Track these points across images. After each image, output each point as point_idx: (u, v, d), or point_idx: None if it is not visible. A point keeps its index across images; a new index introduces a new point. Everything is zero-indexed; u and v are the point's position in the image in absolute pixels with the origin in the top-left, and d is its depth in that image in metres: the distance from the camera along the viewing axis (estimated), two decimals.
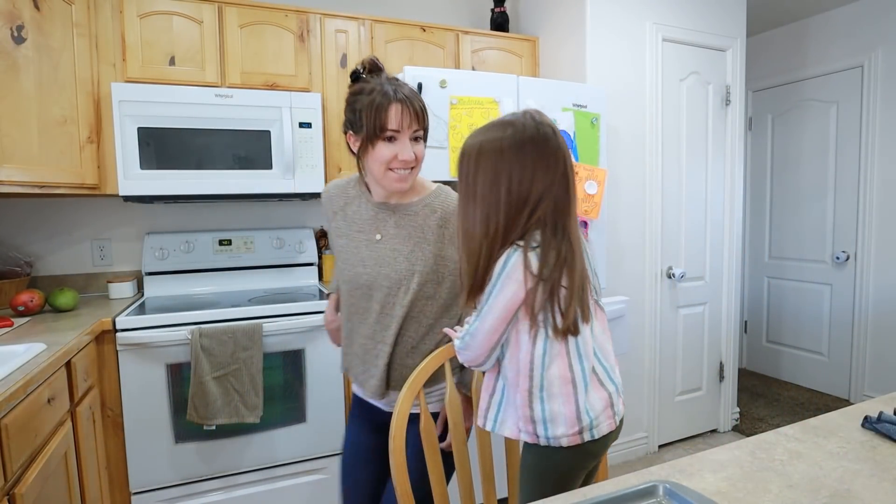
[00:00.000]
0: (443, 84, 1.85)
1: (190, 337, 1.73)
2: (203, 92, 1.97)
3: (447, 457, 1.16)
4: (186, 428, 1.79)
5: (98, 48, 1.92)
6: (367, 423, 1.29)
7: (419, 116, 1.11)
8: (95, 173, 1.93)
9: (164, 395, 1.76)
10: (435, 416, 1.20)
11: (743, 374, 3.65)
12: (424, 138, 1.16)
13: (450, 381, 1.13)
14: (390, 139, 1.09)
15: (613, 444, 1.62)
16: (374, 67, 1.15)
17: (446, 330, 1.14)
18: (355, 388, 1.31)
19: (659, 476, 0.77)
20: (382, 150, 1.09)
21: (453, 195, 1.22)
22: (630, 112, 2.46)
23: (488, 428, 0.99)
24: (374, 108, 1.07)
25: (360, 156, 1.14)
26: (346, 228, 1.22)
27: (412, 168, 1.14)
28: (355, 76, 1.16)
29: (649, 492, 0.71)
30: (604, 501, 0.70)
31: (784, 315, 3.57)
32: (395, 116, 1.08)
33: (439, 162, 1.86)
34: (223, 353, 1.76)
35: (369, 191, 1.22)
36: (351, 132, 1.15)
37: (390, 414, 1.22)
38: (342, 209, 1.24)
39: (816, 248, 3.33)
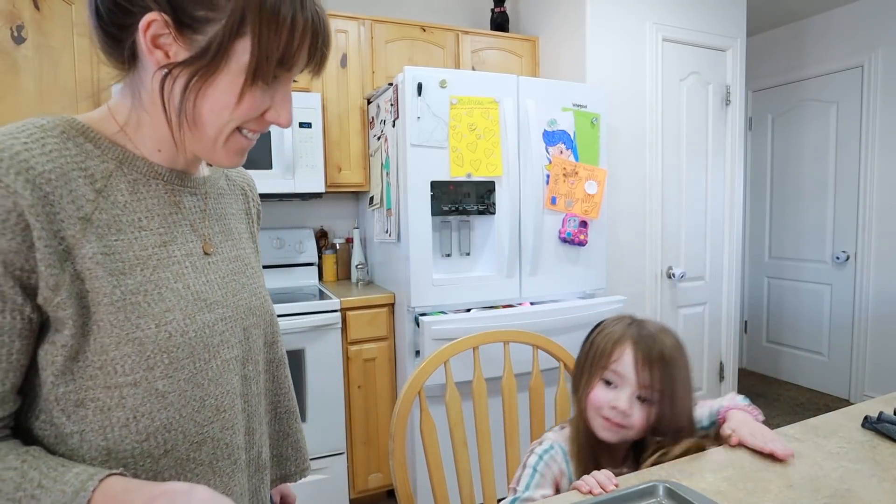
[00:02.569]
0: (443, 84, 1.85)
1: None
2: None
3: None
4: None
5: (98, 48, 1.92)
6: None
7: (328, 57, 0.59)
8: None
9: None
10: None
11: (743, 374, 3.65)
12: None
13: (450, 380, 1.13)
14: (275, 79, 0.56)
15: None
16: None
17: None
18: None
19: (659, 476, 0.77)
20: (251, 98, 0.55)
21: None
22: (630, 112, 2.46)
23: None
24: (287, 24, 0.52)
25: (168, 81, 0.54)
26: (133, 249, 0.56)
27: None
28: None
29: (649, 492, 0.71)
30: (604, 501, 0.70)
31: (784, 315, 3.57)
32: (305, 50, 0.55)
33: (440, 162, 1.87)
34: None
35: (112, 149, 0.57)
36: (166, 16, 0.51)
37: None
38: (100, 210, 0.54)
39: (816, 248, 3.33)
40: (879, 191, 2.99)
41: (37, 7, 1.72)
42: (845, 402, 3.16)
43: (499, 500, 0.93)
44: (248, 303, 0.68)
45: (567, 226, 2.07)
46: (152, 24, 0.51)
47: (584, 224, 2.09)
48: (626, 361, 0.87)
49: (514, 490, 0.89)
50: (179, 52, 0.53)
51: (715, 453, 0.85)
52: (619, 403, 0.86)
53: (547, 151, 2.02)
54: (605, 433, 0.88)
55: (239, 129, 0.58)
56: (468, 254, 2.01)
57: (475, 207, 1.93)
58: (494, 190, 1.95)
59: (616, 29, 2.41)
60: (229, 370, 0.63)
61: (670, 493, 0.70)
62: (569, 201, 2.07)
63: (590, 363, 0.91)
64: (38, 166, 0.50)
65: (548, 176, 2.02)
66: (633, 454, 0.92)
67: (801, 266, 3.43)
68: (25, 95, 1.70)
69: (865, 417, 0.92)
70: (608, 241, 2.37)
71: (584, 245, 2.10)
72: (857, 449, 0.84)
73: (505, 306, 2.01)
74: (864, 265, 3.07)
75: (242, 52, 0.53)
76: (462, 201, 1.91)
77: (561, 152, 2.04)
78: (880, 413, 0.91)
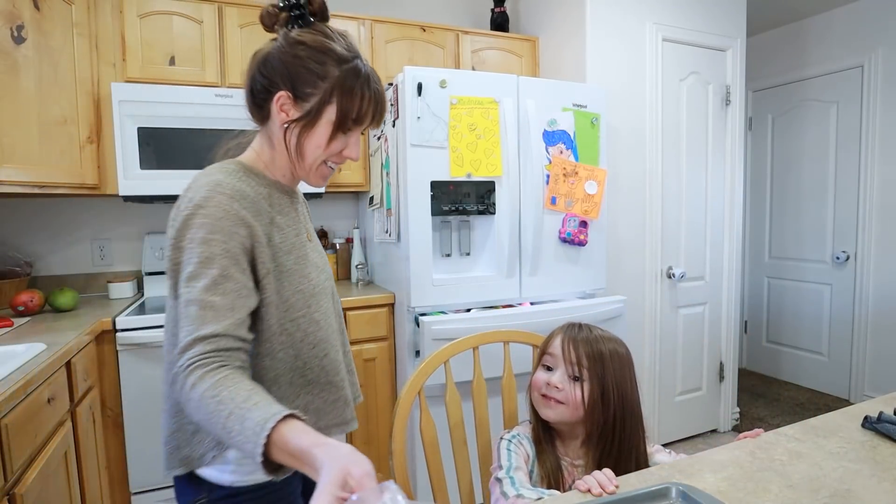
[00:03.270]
0: (443, 84, 1.85)
1: None
2: (203, 92, 1.97)
3: None
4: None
5: (98, 48, 1.92)
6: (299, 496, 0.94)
7: (384, 115, 0.92)
8: (95, 173, 1.93)
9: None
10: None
11: (743, 374, 3.65)
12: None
13: (450, 380, 1.13)
14: (347, 132, 0.88)
15: None
16: (323, 8, 0.87)
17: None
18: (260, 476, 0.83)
19: (659, 476, 0.77)
20: (334, 142, 0.86)
21: None
22: (630, 112, 2.46)
23: None
24: (357, 90, 0.85)
25: (290, 132, 0.85)
26: (289, 239, 0.90)
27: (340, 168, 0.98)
28: (297, 10, 0.85)
29: (662, 493, 0.71)
30: (616, 501, 0.69)
31: (784, 315, 3.57)
32: (368, 109, 0.87)
33: (440, 162, 1.87)
34: None
35: (265, 178, 0.90)
36: (288, 93, 0.84)
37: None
38: (272, 217, 0.87)
39: (816, 248, 3.33)
40: (879, 191, 2.99)
41: (37, 7, 1.72)
42: (845, 402, 3.16)
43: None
44: (329, 273, 1.02)
45: (567, 226, 2.07)
46: (281, 97, 0.85)
47: (584, 224, 2.09)
48: (556, 343, 1.01)
49: (499, 468, 0.94)
50: (294, 113, 0.85)
51: (715, 453, 0.84)
52: (552, 379, 0.98)
53: (547, 151, 2.02)
54: (545, 410, 0.99)
55: (325, 161, 0.90)
56: (468, 254, 2.01)
57: (475, 207, 1.93)
58: (494, 190, 1.95)
59: (616, 29, 2.41)
60: (329, 313, 0.97)
61: (684, 495, 0.69)
62: (569, 201, 2.07)
63: (537, 358, 1.06)
64: (247, 192, 0.84)
65: (548, 176, 2.02)
66: (592, 451, 1.00)
67: (801, 266, 3.43)
68: (25, 95, 1.70)
69: (865, 417, 0.92)
70: (608, 241, 2.37)
71: (584, 245, 2.10)
72: (857, 449, 0.84)
73: (505, 306, 2.01)
74: (864, 265, 3.07)
75: (331, 112, 0.85)
76: (462, 201, 1.91)
77: (561, 152, 2.04)
78: (880, 413, 0.91)
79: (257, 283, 0.82)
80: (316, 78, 0.83)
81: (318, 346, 0.91)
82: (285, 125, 0.85)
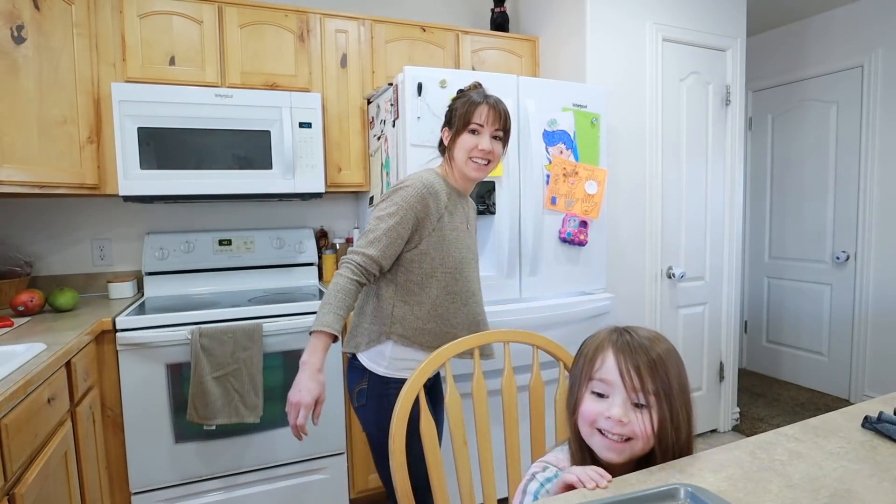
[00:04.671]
0: (443, 84, 1.85)
1: (190, 337, 1.73)
2: (203, 92, 1.97)
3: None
4: (186, 428, 1.78)
5: (98, 48, 1.92)
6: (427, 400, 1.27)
7: (501, 118, 1.36)
8: (95, 173, 1.93)
9: (164, 395, 1.76)
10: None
11: (743, 374, 3.65)
12: (504, 142, 1.40)
13: (450, 381, 1.13)
14: (474, 132, 1.34)
15: None
16: (476, 86, 1.42)
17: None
18: (411, 373, 1.17)
19: (659, 477, 0.77)
20: (466, 140, 1.34)
21: None
22: (630, 112, 2.46)
23: None
24: (466, 105, 1.35)
25: (448, 146, 1.39)
26: (454, 223, 1.37)
27: (488, 161, 1.37)
28: (460, 92, 1.44)
29: (670, 494, 0.70)
30: (622, 501, 0.69)
31: (784, 315, 3.57)
32: (480, 113, 1.34)
33: (439, 162, 1.86)
34: (223, 353, 1.76)
35: (451, 187, 1.41)
36: (446, 128, 1.41)
37: (432, 378, 1.45)
38: (447, 204, 1.36)
39: (816, 248, 3.33)
40: (879, 191, 2.99)
41: (37, 7, 1.72)
42: (845, 402, 3.16)
43: (499, 501, 0.91)
44: (477, 255, 1.48)
45: (567, 226, 2.07)
46: (444, 130, 1.42)
47: (584, 224, 2.09)
48: (609, 366, 0.81)
49: None
50: (447, 136, 1.40)
51: (715, 453, 0.84)
52: (612, 412, 0.78)
53: (547, 151, 2.02)
54: (608, 453, 0.80)
55: (470, 158, 1.36)
56: None
57: (475, 207, 1.93)
58: (494, 190, 1.95)
59: (616, 29, 2.41)
60: (473, 279, 1.43)
61: (693, 496, 0.69)
62: (569, 201, 2.07)
63: (577, 378, 0.86)
64: (434, 186, 1.34)
65: (548, 176, 2.02)
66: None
67: (801, 266, 3.43)
68: (25, 95, 1.70)
69: (865, 417, 0.92)
70: (608, 241, 2.37)
71: (584, 245, 2.10)
72: (857, 449, 0.84)
73: None
74: (864, 265, 3.07)
75: (464, 127, 1.36)
76: None
77: (561, 152, 2.04)
78: (880, 413, 0.91)
79: (420, 238, 1.32)
80: (451, 113, 1.41)
81: (453, 290, 1.37)
82: (445, 144, 1.42)
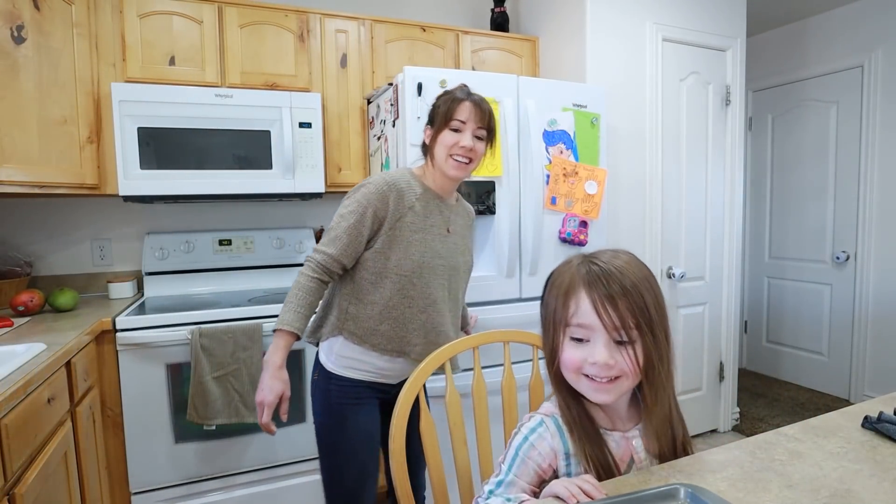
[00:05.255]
0: (443, 84, 1.85)
1: (190, 337, 1.73)
2: (203, 92, 1.97)
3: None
4: (186, 428, 1.78)
5: (98, 48, 1.92)
6: (376, 406, 1.36)
7: (484, 116, 1.32)
8: (95, 173, 1.93)
9: (164, 395, 1.76)
10: None
11: (743, 374, 3.65)
12: (489, 141, 1.36)
13: (450, 380, 1.13)
14: (456, 129, 1.30)
15: None
16: (462, 86, 1.39)
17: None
18: (359, 374, 1.33)
19: (659, 476, 0.77)
20: (447, 137, 1.30)
21: (465, 202, 1.53)
22: (630, 112, 2.46)
23: None
24: (449, 102, 1.31)
25: (430, 145, 1.34)
26: (420, 223, 1.32)
27: (470, 160, 1.32)
28: (445, 92, 1.40)
29: (671, 494, 0.70)
30: (623, 502, 0.69)
31: (784, 315, 3.56)
32: (462, 111, 1.30)
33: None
34: (223, 353, 1.76)
35: (426, 187, 1.37)
36: (428, 126, 1.37)
37: (394, 387, 1.37)
38: (413, 204, 1.31)
39: (816, 248, 3.33)
40: (879, 191, 2.99)
41: (37, 7, 1.72)
42: (845, 402, 3.16)
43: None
44: (454, 263, 1.38)
45: (567, 226, 2.07)
46: (426, 129, 1.37)
47: (584, 224, 2.09)
48: (585, 309, 0.74)
49: (500, 466, 0.83)
50: (429, 134, 1.35)
51: (715, 453, 0.84)
52: (596, 357, 0.73)
53: (547, 151, 2.02)
54: (598, 395, 0.76)
55: (451, 155, 1.31)
56: None
57: (475, 207, 1.92)
58: (494, 190, 1.95)
59: (616, 29, 2.41)
60: (436, 287, 1.33)
61: (693, 497, 0.69)
62: (569, 201, 2.07)
63: (551, 327, 0.79)
64: (399, 184, 1.30)
65: (548, 176, 2.02)
66: (634, 411, 0.83)
67: (801, 266, 3.43)
68: (25, 95, 1.70)
69: (865, 417, 0.92)
70: (608, 241, 2.37)
71: (584, 245, 2.10)
72: (857, 449, 0.84)
73: None
74: (864, 265, 3.07)
75: (446, 124, 1.32)
76: None
77: (561, 152, 2.04)
78: (880, 413, 0.91)
79: (377, 236, 1.29)
80: (433, 111, 1.37)
81: (409, 294, 1.30)
82: (426, 143, 1.38)
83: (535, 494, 0.79)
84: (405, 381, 1.18)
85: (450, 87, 1.43)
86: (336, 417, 1.32)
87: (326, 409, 1.33)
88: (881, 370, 3.01)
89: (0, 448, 1.02)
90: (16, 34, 1.66)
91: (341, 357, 1.32)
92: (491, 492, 0.80)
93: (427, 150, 1.36)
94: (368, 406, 1.35)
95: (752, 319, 3.79)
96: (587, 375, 0.75)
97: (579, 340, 0.76)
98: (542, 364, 1.21)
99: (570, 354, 0.76)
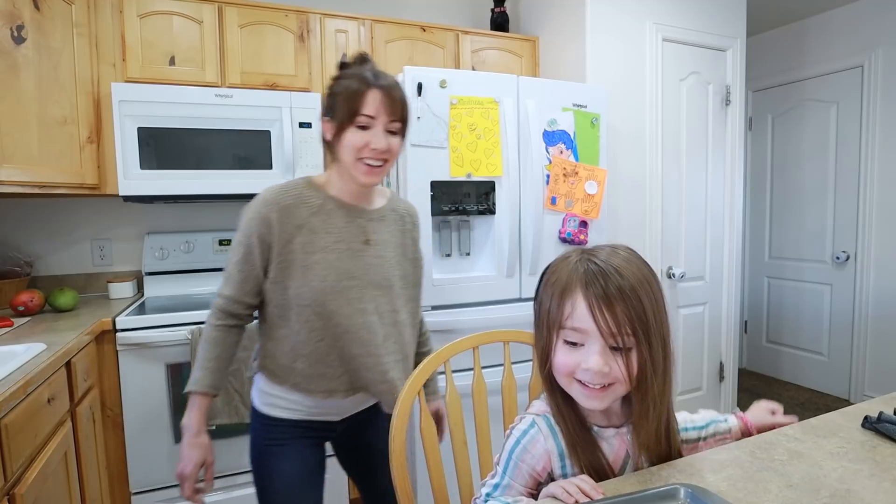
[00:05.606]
0: (443, 84, 1.85)
1: (190, 337, 1.73)
2: (203, 92, 1.97)
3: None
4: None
5: (98, 48, 1.92)
6: (310, 447, 1.19)
7: (397, 107, 1.07)
8: (95, 173, 1.93)
9: (164, 395, 1.76)
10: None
11: (743, 374, 3.65)
12: (402, 134, 1.11)
13: (450, 380, 1.13)
14: (363, 127, 1.05)
15: None
16: (362, 59, 1.12)
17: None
18: (286, 412, 1.16)
19: (659, 476, 0.77)
20: (354, 137, 1.05)
21: (406, 200, 1.33)
22: (630, 112, 2.46)
23: None
24: (351, 92, 1.05)
25: (332, 143, 1.09)
26: (319, 242, 1.09)
27: (384, 161, 1.08)
28: (342, 63, 1.14)
29: (670, 494, 0.70)
30: (623, 502, 0.69)
31: (784, 315, 3.56)
32: (370, 102, 1.04)
33: (439, 162, 1.86)
34: None
35: (329, 196, 1.14)
36: (326, 118, 1.10)
37: (338, 424, 1.22)
38: (308, 221, 1.09)
39: (816, 248, 3.33)
40: (879, 191, 2.99)
41: (37, 7, 1.72)
42: (845, 402, 3.16)
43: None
44: (378, 279, 1.14)
45: (567, 226, 2.07)
46: (324, 121, 1.11)
47: (584, 224, 2.09)
48: (581, 313, 0.70)
49: (496, 467, 0.81)
50: (330, 129, 1.10)
51: (715, 453, 0.84)
52: (590, 364, 0.70)
53: (547, 151, 2.02)
54: (590, 402, 0.73)
55: (360, 159, 1.06)
56: (468, 254, 2.01)
57: (475, 207, 1.93)
58: (494, 190, 1.95)
59: (616, 29, 2.41)
60: (356, 311, 1.11)
61: (693, 497, 0.69)
62: (569, 201, 2.07)
63: (544, 327, 0.76)
64: (282, 201, 1.08)
65: (548, 176, 2.02)
66: (626, 407, 0.81)
67: (801, 266, 3.43)
68: (25, 95, 1.70)
69: (865, 417, 0.92)
70: (608, 241, 2.37)
71: (584, 245, 2.10)
72: (857, 449, 0.84)
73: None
74: (864, 265, 3.07)
75: (350, 121, 1.06)
76: (462, 201, 1.91)
77: (561, 152, 2.04)
78: (880, 413, 0.90)
79: (269, 266, 1.10)
80: (332, 98, 1.10)
81: (315, 327, 1.09)
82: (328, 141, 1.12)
83: (532, 496, 0.79)
84: (354, 415, 1.21)
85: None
86: (257, 461, 1.18)
87: (253, 451, 1.19)
88: (881, 370, 3.01)
89: (0, 448, 1.02)
90: (16, 34, 1.66)
91: (264, 394, 1.17)
92: (488, 495, 0.80)
93: (329, 147, 1.12)
94: (296, 448, 1.17)
95: (752, 319, 3.79)
96: (579, 381, 0.73)
97: (573, 344, 0.73)
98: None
99: (563, 358, 0.74)
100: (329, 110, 1.10)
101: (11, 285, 1.92)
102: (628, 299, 0.70)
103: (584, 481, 0.72)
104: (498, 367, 1.21)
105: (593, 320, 0.69)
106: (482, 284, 1.96)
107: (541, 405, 0.83)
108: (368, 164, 1.07)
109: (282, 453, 1.16)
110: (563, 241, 2.06)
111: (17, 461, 1.08)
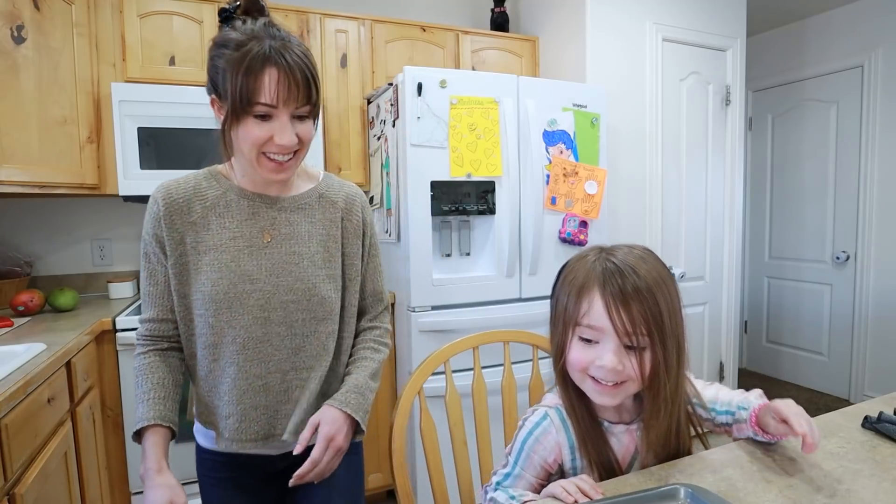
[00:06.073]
0: (443, 84, 1.85)
1: None
2: (203, 92, 1.96)
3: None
4: (186, 428, 1.78)
5: (98, 48, 1.92)
6: (250, 484, 1.03)
7: (303, 90, 0.83)
8: (95, 173, 1.93)
9: None
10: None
11: (743, 374, 3.65)
12: (314, 115, 0.89)
13: (450, 380, 1.13)
14: (263, 117, 0.83)
15: None
16: (255, 7, 0.88)
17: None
18: (211, 443, 1.01)
19: (659, 476, 0.77)
20: (252, 130, 0.83)
21: (347, 182, 1.06)
22: (630, 112, 2.46)
23: None
24: (243, 70, 0.79)
25: (226, 132, 0.86)
26: (211, 240, 0.91)
27: (295, 153, 0.88)
28: (225, 14, 0.87)
29: (670, 494, 0.70)
30: (623, 502, 0.69)
31: (784, 315, 3.56)
32: (268, 88, 0.80)
33: (439, 162, 1.87)
34: None
35: (226, 182, 0.95)
36: (214, 96, 0.87)
37: (281, 458, 0.99)
38: (202, 218, 0.91)
39: (816, 248, 3.33)
40: (879, 191, 2.99)
41: (37, 7, 1.72)
42: (845, 402, 3.16)
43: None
44: (288, 282, 0.94)
45: (567, 226, 2.07)
46: (212, 100, 0.89)
47: (584, 224, 2.09)
48: (597, 311, 0.72)
49: (507, 457, 0.83)
50: (219, 111, 0.88)
51: (715, 453, 0.84)
52: (604, 362, 0.72)
53: (547, 151, 2.02)
54: (602, 398, 0.75)
55: (263, 153, 0.86)
56: (468, 254, 2.01)
57: (475, 207, 1.93)
58: (494, 190, 1.95)
59: (616, 29, 2.41)
60: (256, 322, 0.92)
61: (693, 496, 0.69)
62: (569, 201, 2.07)
63: (560, 323, 0.78)
64: (172, 195, 0.91)
65: (548, 176, 2.02)
66: (638, 404, 0.81)
67: (801, 266, 3.43)
68: (25, 95, 1.70)
69: (865, 417, 0.92)
70: (608, 241, 2.37)
71: (584, 245, 2.10)
72: (857, 449, 0.84)
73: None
74: (864, 265, 3.07)
75: (245, 111, 0.83)
76: (462, 201, 1.91)
77: (561, 152, 2.04)
78: (880, 413, 0.91)
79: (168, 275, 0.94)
80: (216, 72, 0.85)
81: (209, 343, 0.93)
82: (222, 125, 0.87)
83: (544, 486, 0.79)
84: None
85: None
86: (202, 494, 1.05)
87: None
88: (881, 370, 3.01)
89: (0, 448, 1.02)
90: (16, 34, 1.66)
91: (196, 420, 1.05)
92: (499, 483, 0.81)
93: (223, 135, 0.87)
94: (228, 493, 1.03)
95: (752, 319, 3.79)
96: (593, 377, 0.74)
97: (588, 341, 0.74)
98: (542, 364, 1.21)
99: (578, 355, 0.75)
100: (215, 87, 0.85)
101: (11, 285, 1.92)
102: (644, 299, 0.71)
103: (584, 481, 0.72)
104: (498, 367, 1.21)
105: (609, 319, 0.71)
106: (482, 284, 1.96)
107: (553, 398, 0.84)
108: (276, 160, 0.86)
109: (212, 494, 1.03)
110: (563, 241, 2.06)
111: (18, 461, 1.08)
